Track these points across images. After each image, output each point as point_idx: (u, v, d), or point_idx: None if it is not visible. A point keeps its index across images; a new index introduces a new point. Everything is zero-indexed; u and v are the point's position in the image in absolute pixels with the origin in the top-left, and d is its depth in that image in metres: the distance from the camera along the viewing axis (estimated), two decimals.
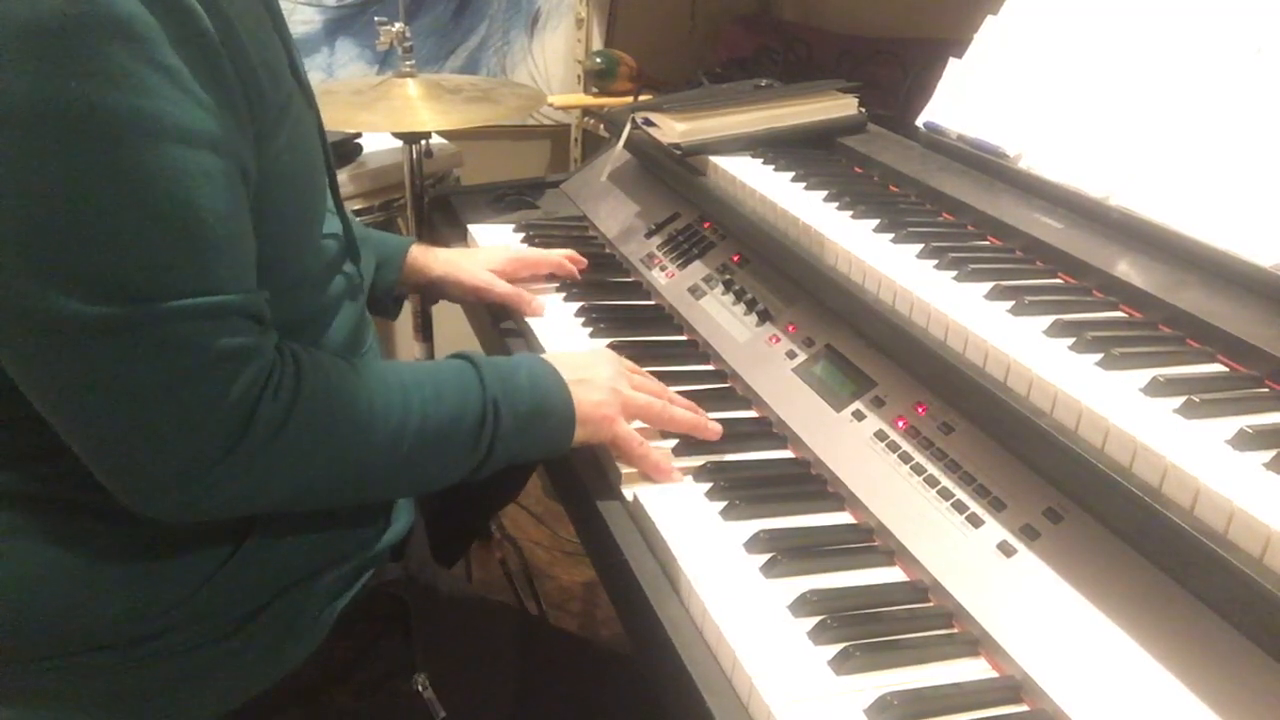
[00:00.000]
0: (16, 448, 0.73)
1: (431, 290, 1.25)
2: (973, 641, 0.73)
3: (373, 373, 0.78)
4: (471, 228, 1.44)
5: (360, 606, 0.86)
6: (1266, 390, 0.75)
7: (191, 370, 0.66)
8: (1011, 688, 0.69)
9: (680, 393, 0.99)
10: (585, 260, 1.28)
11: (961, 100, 1.18)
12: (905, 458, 0.86)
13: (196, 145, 0.64)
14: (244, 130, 0.69)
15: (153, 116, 0.62)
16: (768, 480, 0.91)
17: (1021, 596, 0.72)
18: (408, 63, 1.62)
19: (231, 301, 0.68)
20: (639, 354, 1.10)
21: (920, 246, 0.96)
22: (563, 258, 1.26)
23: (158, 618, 0.75)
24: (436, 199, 1.66)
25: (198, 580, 0.76)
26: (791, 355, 1.03)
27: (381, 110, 1.53)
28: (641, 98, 1.99)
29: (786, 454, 0.96)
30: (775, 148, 1.26)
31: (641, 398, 0.92)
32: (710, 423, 0.94)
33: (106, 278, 0.63)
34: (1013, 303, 0.86)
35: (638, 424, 0.92)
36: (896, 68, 1.58)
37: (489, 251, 1.27)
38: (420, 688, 0.85)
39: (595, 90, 2.15)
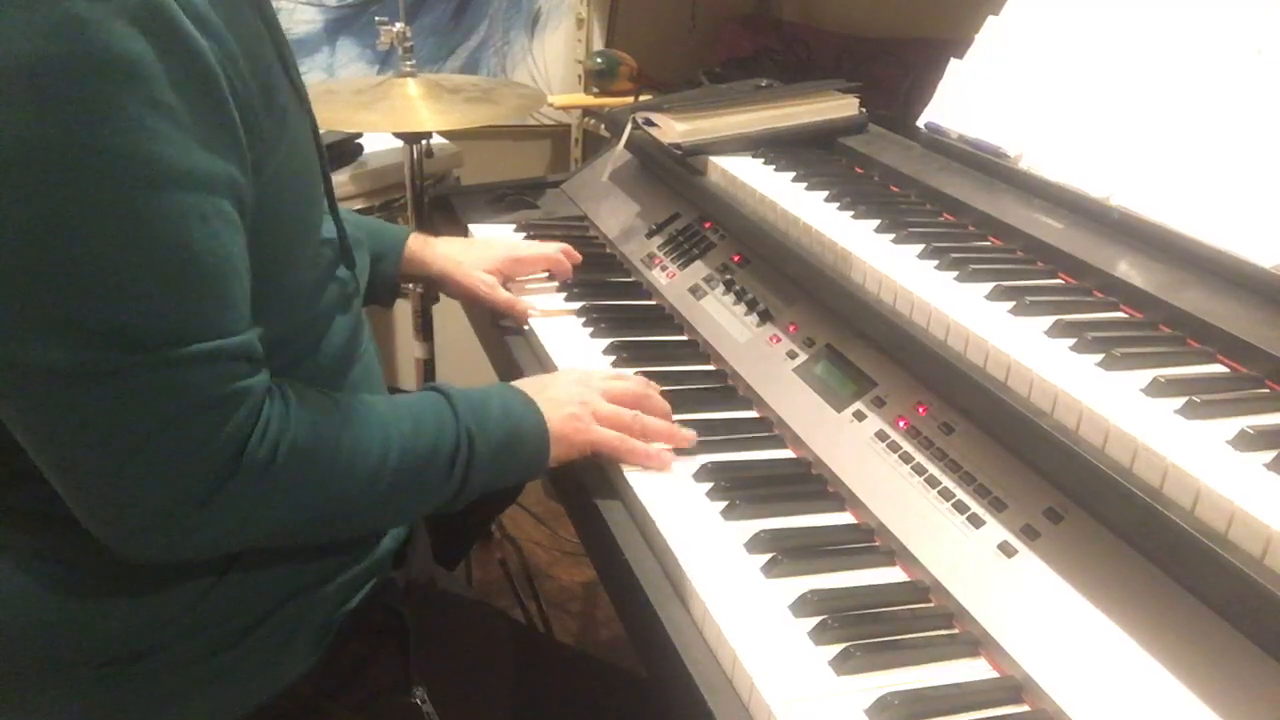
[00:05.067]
0: (9, 465, 0.71)
1: (429, 284, 1.24)
2: (973, 642, 0.73)
3: (354, 409, 0.77)
4: (472, 228, 1.44)
5: (359, 619, 0.85)
6: (1267, 391, 0.75)
7: (183, 414, 0.65)
8: (1012, 688, 0.69)
9: (680, 392, 0.99)
10: (580, 256, 1.27)
11: (962, 100, 1.18)
12: (906, 458, 0.86)
13: (195, 187, 0.63)
14: (243, 163, 0.67)
15: (151, 159, 0.60)
16: (768, 480, 0.91)
17: (1022, 597, 0.72)
18: (408, 63, 1.62)
19: (227, 345, 0.66)
20: (639, 354, 1.10)
21: (921, 247, 0.96)
22: (559, 252, 1.25)
23: (156, 632, 0.75)
24: (437, 199, 1.66)
25: (196, 594, 0.75)
26: (792, 355, 1.03)
27: (382, 110, 1.53)
28: (642, 98, 1.99)
29: (787, 454, 0.96)
30: (776, 148, 1.26)
31: (609, 408, 0.91)
32: (682, 432, 0.93)
33: (101, 325, 0.61)
34: (1013, 303, 0.86)
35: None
36: (896, 68, 1.59)
37: (487, 248, 1.25)
38: (419, 701, 0.84)
39: (595, 90, 2.15)
